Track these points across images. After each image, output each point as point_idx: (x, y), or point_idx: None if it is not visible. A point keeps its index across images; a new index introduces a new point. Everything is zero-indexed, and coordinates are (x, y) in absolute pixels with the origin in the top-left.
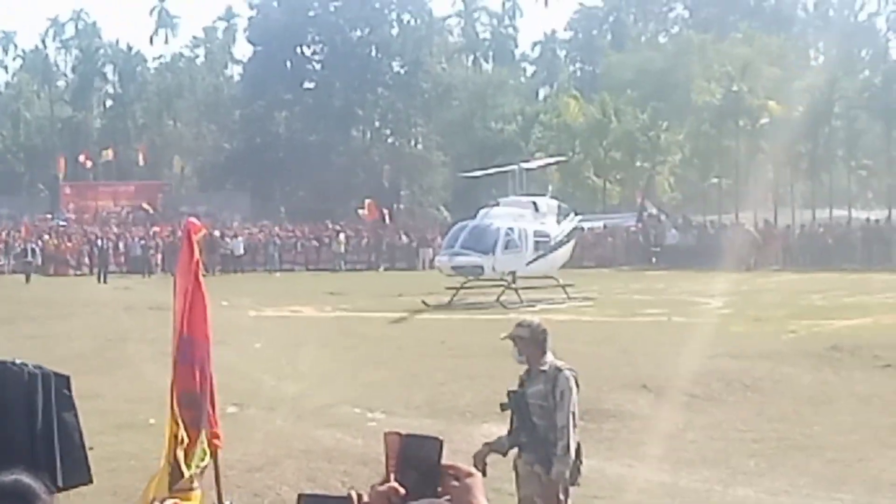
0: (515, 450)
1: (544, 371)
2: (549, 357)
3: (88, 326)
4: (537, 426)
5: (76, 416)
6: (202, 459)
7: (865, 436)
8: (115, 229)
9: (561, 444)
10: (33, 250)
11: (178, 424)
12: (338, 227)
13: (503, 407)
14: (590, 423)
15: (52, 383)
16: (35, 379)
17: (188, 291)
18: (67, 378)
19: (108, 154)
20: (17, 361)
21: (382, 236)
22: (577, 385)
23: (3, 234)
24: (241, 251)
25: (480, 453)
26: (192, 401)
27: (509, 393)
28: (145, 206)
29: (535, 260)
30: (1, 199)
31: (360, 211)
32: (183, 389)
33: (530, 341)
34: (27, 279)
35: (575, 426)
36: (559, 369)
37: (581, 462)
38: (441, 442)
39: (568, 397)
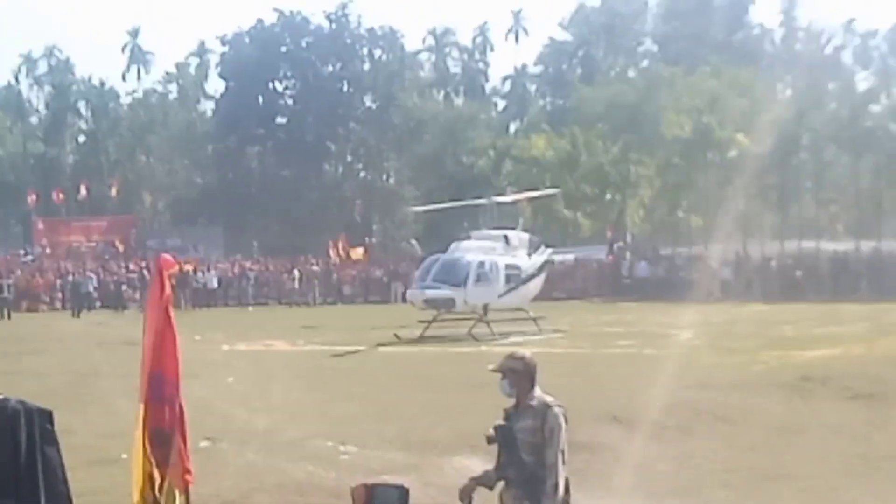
0: (502, 483)
1: (532, 406)
2: (538, 391)
3: (61, 362)
4: (526, 462)
5: (58, 451)
6: (174, 501)
7: (836, 466)
8: (89, 264)
9: (550, 483)
10: (8, 286)
11: (150, 463)
12: (312, 262)
13: (489, 440)
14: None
15: (34, 418)
16: (18, 414)
17: (158, 328)
18: (50, 413)
19: (82, 191)
20: (0, 396)
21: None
22: (566, 421)
23: None
24: (215, 285)
25: (466, 488)
26: (163, 439)
27: (496, 426)
28: (117, 243)
29: (506, 293)
30: None
31: (332, 252)
32: (155, 427)
33: (524, 374)
34: (5, 315)
35: (564, 463)
36: (548, 405)
37: (569, 498)
38: (407, 490)
39: (558, 434)
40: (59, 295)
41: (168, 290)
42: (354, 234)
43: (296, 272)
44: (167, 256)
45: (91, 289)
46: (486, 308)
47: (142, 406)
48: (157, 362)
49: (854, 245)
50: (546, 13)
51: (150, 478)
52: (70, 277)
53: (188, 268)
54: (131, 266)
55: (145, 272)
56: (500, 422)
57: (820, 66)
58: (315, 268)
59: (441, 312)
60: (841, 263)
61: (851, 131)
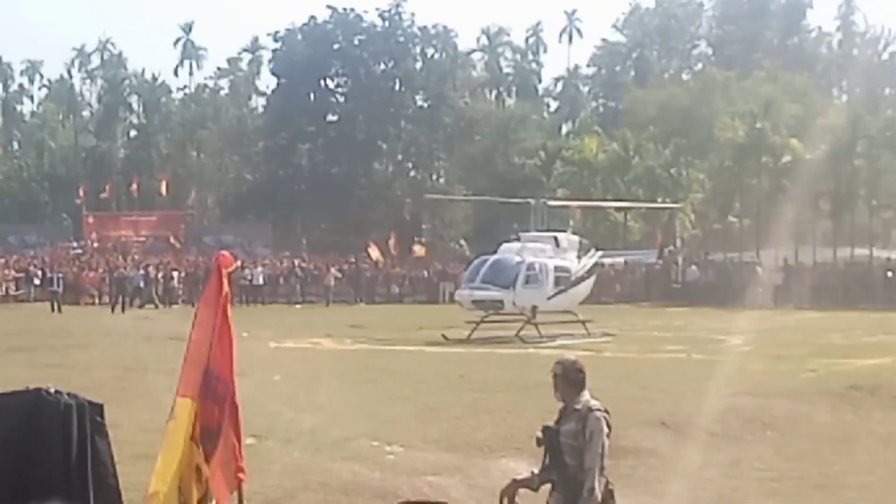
0: (549, 485)
1: (577, 410)
2: (585, 396)
3: (107, 356)
4: (568, 466)
5: (109, 443)
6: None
7: (884, 476)
8: (139, 259)
9: (587, 487)
10: (58, 279)
11: (200, 456)
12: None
13: (538, 442)
14: (608, 459)
15: (86, 412)
16: (70, 409)
17: (215, 325)
18: (101, 406)
19: (133, 185)
20: (52, 390)
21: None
22: (609, 426)
23: (26, 262)
24: (261, 281)
25: (508, 489)
26: (211, 436)
27: (544, 428)
28: (172, 239)
29: (555, 295)
30: (25, 228)
31: (371, 250)
32: (204, 424)
33: (562, 379)
34: (55, 308)
35: (603, 468)
36: (591, 409)
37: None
38: None
39: (597, 439)
40: (108, 289)
41: (226, 288)
42: (404, 233)
43: (333, 270)
44: (226, 254)
45: (141, 283)
46: (534, 310)
47: (188, 401)
48: (213, 360)
49: None
50: (600, 14)
51: (199, 471)
52: (115, 273)
53: (238, 264)
54: (181, 261)
55: (198, 269)
56: (548, 424)
57: (876, 72)
58: (355, 266)
59: (489, 313)
60: (894, 272)
61: None
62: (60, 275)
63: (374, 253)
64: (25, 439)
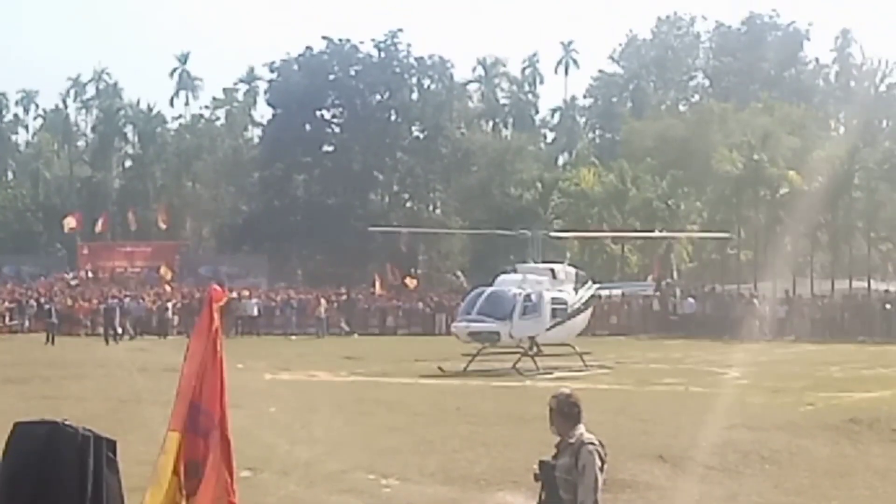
0: None
1: (571, 444)
2: (580, 429)
3: (101, 388)
4: (564, 500)
5: (119, 481)
6: None
7: None
8: (133, 290)
9: None
10: (57, 310)
11: (181, 494)
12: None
13: (536, 477)
14: (605, 492)
15: (102, 447)
16: (87, 441)
17: (204, 359)
18: (115, 443)
19: (128, 216)
20: (67, 422)
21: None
22: (603, 459)
23: (19, 293)
24: (256, 313)
25: None
26: (195, 470)
27: (540, 463)
28: (163, 269)
29: (552, 327)
30: (20, 258)
31: (378, 284)
32: (189, 458)
33: (557, 413)
34: (49, 339)
35: (596, 502)
36: (584, 443)
37: None
38: None
39: (590, 472)
40: (101, 320)
41: (217, 321)
42: (399, 264)
43: (323, 301)
44: (217, 287)
45: (118, 315)
46: (533, 341)
47: (176, 435)
48: (197, 393)
49: None
50: (597, 45)
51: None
52: (102, 304)
53: (234, 295)
54: (170, 291)
55: (192, 300)
56: (544, 458)
57: (874, 104)
58: (343, 298)
59: (485, 346)
60: (892, 304)
61: None
62: (57, 306)
63: (379, 285)
64: (42, 467)
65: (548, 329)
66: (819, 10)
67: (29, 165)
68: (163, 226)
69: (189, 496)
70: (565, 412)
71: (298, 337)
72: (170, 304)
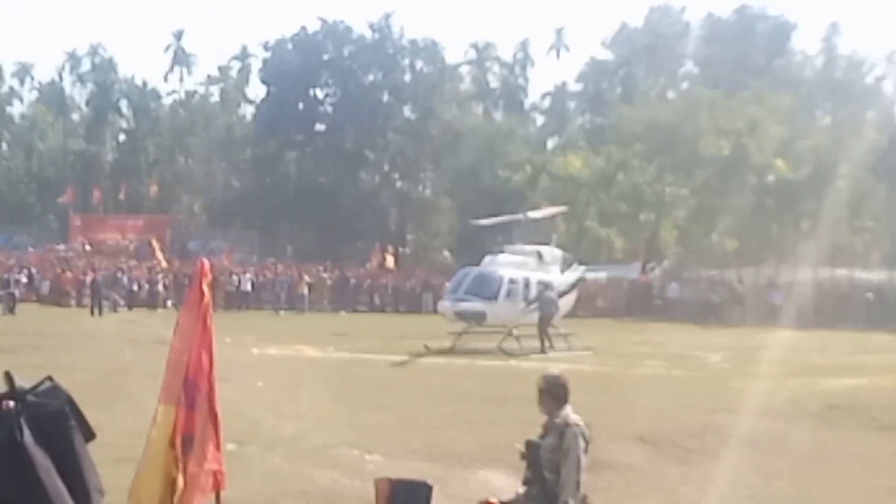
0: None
1: (557, 424)
2: (566, 410)
3: (90, 359)
4: (547, 480)
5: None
6: None
7: (860, 496)
8: (124, 262)
9: (561, 500)
10: (17, 281)
11: (177, 468)
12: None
13: (522, 456)
14: (586, 473)
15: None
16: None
17: (195, 335)
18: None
19: (121, 189)
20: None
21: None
22: (587, 441)
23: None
24: (249, 288)
25: None
26: (191, 444)
27: (527, 442)
28: (154, 242)
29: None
30: (12, 228)
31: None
32: (185, 433)
33: (545, 393)
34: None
35: (579, 482)
36: (568, 424)
37: None
38: (430, 487)
39: (573, 454)
40: (88, 291)
41: (207, 296)
42: (388, 243)
43: (306, 278)
44: (206, 262)
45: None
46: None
47: (171, 409)
48: (192, 368)
49: (888, 275)
50: (588, 32)
51: (174, 483)
52: (90, 276)
53: (226, 262)
54: (165, 265)
55: (183, 274)
56: (531, 438)
57: (860, 96)
58: (325, 275)
59: (471, 325)
60: (874, 293)
61: (890, 161)
62: (17, 277)
63: (376, 260)
64: None
65: (534, 310)
66: (808, 2)
67: (23, 137)
68: (154, 199)
69: (186, 469)
70: (553, 392)
71: (286, 312)
72: (160, 277)
